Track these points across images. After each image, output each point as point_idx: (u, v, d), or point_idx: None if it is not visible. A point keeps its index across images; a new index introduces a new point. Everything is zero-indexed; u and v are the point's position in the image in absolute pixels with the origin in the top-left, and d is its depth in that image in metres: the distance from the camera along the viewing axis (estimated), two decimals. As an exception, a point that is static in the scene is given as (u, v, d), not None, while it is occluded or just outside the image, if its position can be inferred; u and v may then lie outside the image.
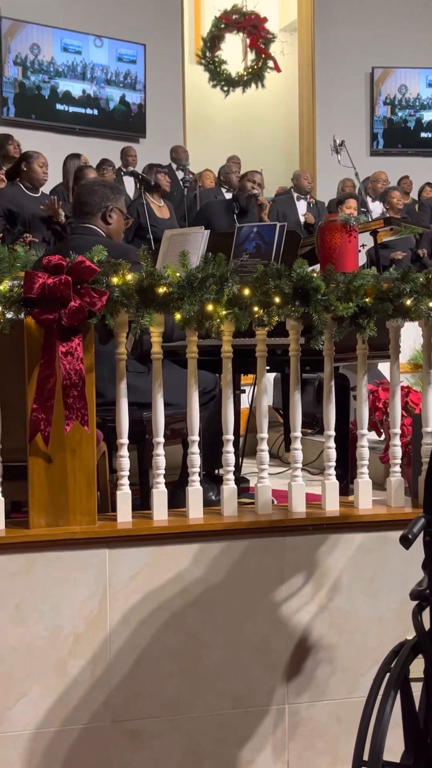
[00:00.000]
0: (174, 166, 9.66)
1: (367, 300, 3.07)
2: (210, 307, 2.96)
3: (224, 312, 2.98)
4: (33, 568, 2.91)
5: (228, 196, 8.50)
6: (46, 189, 7.15)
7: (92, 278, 2.85)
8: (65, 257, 2.86)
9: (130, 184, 9.13)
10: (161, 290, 2.91)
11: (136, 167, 9.50)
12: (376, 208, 9.21)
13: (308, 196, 9.40)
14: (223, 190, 9.15)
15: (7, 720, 2.91)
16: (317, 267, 3.82)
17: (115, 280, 2.88)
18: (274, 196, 10.24)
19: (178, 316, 2.94)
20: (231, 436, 3.11)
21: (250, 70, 12.61)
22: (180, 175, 9.39)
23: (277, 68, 12.59)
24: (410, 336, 3.86)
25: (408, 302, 3.09)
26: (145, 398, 3.19)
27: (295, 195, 9.32)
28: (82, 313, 2.83)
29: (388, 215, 8.25)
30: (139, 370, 3.46)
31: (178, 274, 2.94)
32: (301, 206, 9.20)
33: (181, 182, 8.67)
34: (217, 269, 2.96)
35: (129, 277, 2.89)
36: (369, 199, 8.87)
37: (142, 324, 2.91)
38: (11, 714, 2.91)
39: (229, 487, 3.13)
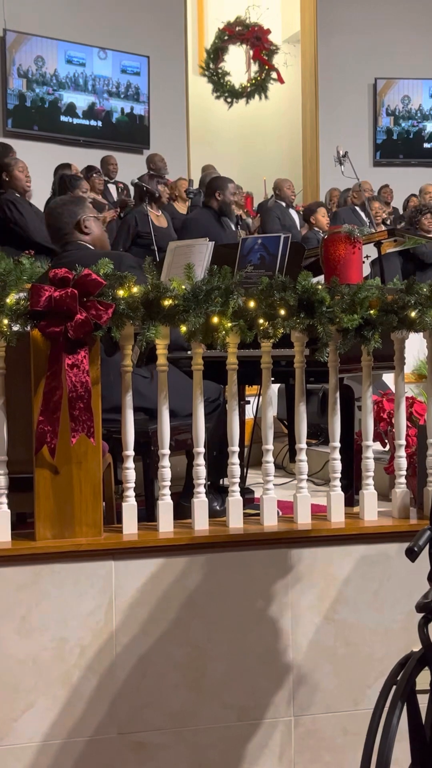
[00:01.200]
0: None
1: (371, 312, 3.08)
2: (215, 320, 2.97)
3: (229, 324, 2.99)
4: (39, 580, 2.92)
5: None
6: (41, 199, 7.09)
7: (98, 291, 2.87)
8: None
9: (114, 192, 9.20)
10: (167, 303, 2.92)
11: (117, 177, 9.55)
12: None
13: (296, 205, 9.29)
14: None
15: (13, 732, 2.91)
16: (321, 278, 3.82)
17: (120, 292, 2.90)
18: (258, 205, 10.17)
19: (183, 328, 2.95)
20: (236, 448, 3.11)
21: (254, 81, 12.65)
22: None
23: (280, 79, 12.64)
24: (414, 346, 3.86)
25: (413, 314, 3.10)
26: (150, 403, 3.19)
27: (283, 204, 9.07)
28: (88, 326, 2.85)
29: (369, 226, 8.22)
30: (145, 375, 3.46)
31: (183, 287, 2.95)
32: (293, 214, 9.11)
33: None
34: (222, 281, 2.97)
35: (135, 289, 2.91)
36: (358, 209, 8.83)
37: (147, 336, 2.93)
38: (17, 726, 2.91)
39: (235, 498, 3.14)
